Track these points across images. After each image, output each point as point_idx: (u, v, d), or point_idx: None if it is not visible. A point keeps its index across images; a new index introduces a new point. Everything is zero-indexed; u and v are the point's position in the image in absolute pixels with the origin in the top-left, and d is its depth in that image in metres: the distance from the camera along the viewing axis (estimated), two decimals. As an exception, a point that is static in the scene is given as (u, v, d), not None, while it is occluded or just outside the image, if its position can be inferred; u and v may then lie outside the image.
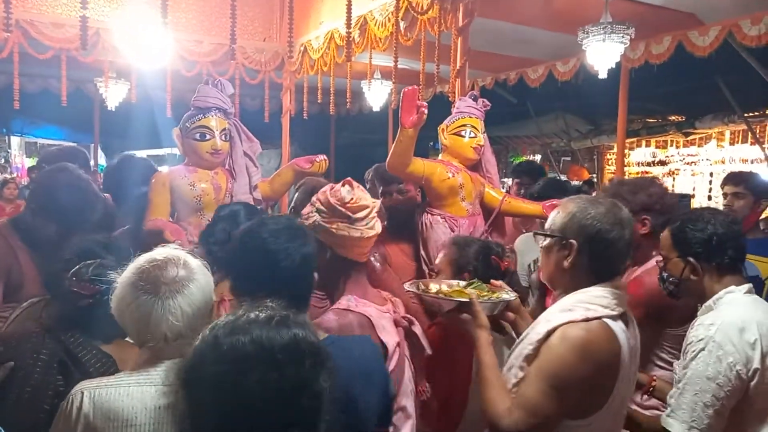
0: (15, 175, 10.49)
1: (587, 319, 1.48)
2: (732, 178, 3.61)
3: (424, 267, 2.76)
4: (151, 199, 2.47)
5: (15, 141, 12.51)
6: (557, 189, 3.13)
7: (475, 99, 2.95)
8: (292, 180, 2.80)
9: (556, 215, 1.64)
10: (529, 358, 1.51)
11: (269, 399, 0.95)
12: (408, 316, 1.80)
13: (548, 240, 1.63)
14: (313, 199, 1.69)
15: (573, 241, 1.56)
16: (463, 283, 1.86)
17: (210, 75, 5.50)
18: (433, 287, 1.82)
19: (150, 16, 4.58)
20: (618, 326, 1.52)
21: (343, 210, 1.64)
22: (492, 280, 1.87)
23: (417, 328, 1.80)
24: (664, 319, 2.13)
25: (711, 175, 9.22)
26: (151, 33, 4.13)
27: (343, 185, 1.70)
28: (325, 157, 2.74)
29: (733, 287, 1.79)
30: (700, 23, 4.60)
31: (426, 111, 2.40)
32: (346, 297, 1.67)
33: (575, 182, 10.10)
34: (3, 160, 11.72)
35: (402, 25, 3.92)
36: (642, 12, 4.36)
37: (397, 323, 1.72)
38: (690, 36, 4.68)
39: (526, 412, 1.44)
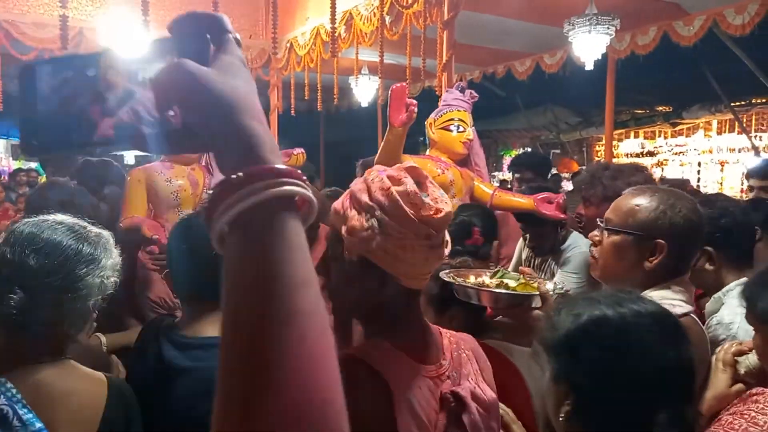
0: (1, 177, 10.39)
1: (678, 317, 1.41)
2: (758, 172, 3.17)
3: None
4: (127, 197, 2.44)
5: (1, 143, 12.40)
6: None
7: (462, 90, 2.90)
8: None
9: (634, 208, 1.45)
10: None
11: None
12: (476, 389, 1.12)
13: (620, 237, 1.45)
14: (364, 199, 1.06)
15: (662, 242, 1.41)
16: (488, 272, 1.69)
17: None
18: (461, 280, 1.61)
19: (133, 14, 4.53)
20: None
21: (422, 225, 1.03)
22: (521, 267, 1.78)
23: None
24: None
25: (699, 164, 9.29)
26: (135, 32, 4.09)
27: (407, 173, 1.10)
28: (302, 150, 2.71)
29: (744, 279, 1.66)
30: (684, 13, 4.62)
31: (415, 109, 2.34)
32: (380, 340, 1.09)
33: (565, 174, 10.14)
34: (-11, 163, 11.61)
35: (387, 19, 3.90)
36: (627, 2, 4.37)
37: (443, 401, 1.07)
38: (675, 26, 4.70)
39: None
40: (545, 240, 2.64)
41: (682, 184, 8.52)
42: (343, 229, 1.07)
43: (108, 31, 4.43)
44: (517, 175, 3.57)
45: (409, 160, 2.61)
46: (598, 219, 1.57)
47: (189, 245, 1.38)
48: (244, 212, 0.48)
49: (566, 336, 0.99)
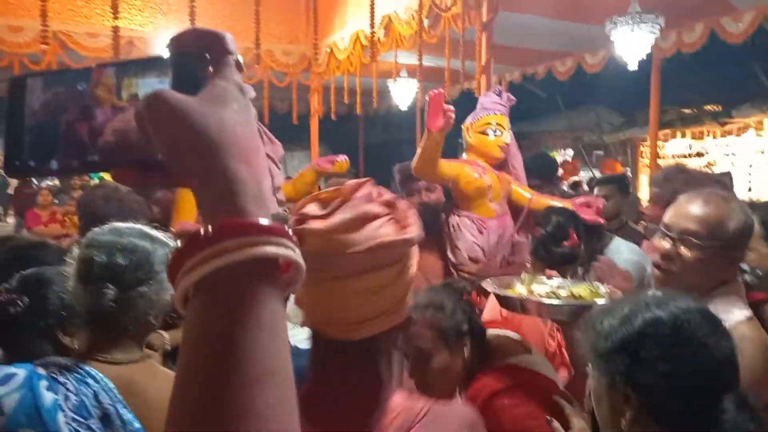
0: (56, 181, 10.80)
1: (749, 318, 1.41)
2: None
3: (452, 269, 2.75)
4: (178, 203, 2.52)
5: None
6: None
7: (499, 94, 2.90)
8: (314, 181, 2.82)
9: (722, 221, 1.41)
10: None
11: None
12: None
13: (709, 251, 1.41)
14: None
15: (741, 253, 1.44)
16: (517, 279, 1.63)
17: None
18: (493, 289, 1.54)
19: (181, 24, 4.68)
20: None
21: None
22: (547, 270, 1.76)
23: None
24: None
25: (750, 166, 8.95)
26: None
27: (313, 200, 0.89)
28: (346, 158, 2.75)
29: None
30: (733, 9, 4.47)
31: (453, 115, 2.35)
32: None
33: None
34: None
35: (426, 22, 3.92)
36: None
37: None
38: (723, 23, 4.56)
39: None
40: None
41: (726, 175, 8.25)
42: None
43: (158, 41, 4.60)
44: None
45: (447, 165, 2.64)
46: (664, 227, 1.51)
47: None
48: (208, 276, 0.39)
49: (622, 341, 1.01)
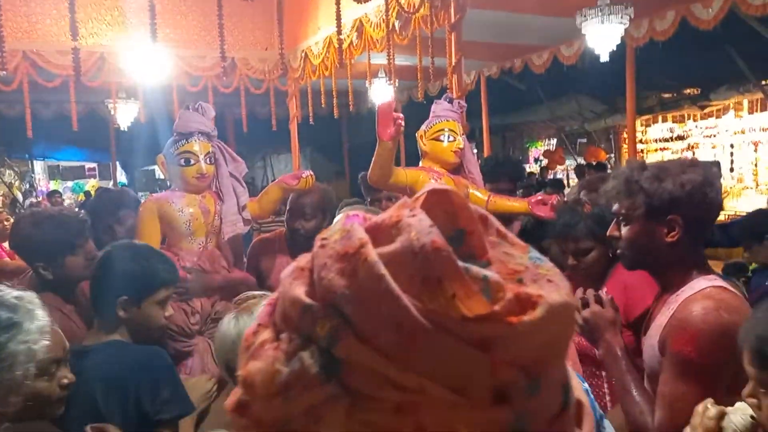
0: (40, 198, 10.77)
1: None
2: None
3: None
4: (140, 228, 2.50)
5: (38, 165, 12.87)
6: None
7: (450, 101, 2.93)
8: (280, 197, 2.79)
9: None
10: None
11: None
12: None
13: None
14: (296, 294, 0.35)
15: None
16: None
17: (214, 87, 5.59)
18: None
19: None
20: None
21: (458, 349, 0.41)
22: None
23: None
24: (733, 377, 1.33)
25: (732, 146, 9.03)
26: (154, 52, 4.21)
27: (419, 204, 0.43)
28: (311, 173, 2.73)
29: None
30: (702, -5, 4.50)
31: (402, 123, 2.41)
32: None
33: (593, 163, 9.99)
34: (28, 185, 12.05)
35: (396, 24, 3.92)
36: (641, -11, 4.29)
37: None
38: (693, 9, 4.58)
39: None
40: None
41: (715, 164, 8.33)
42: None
43: (127, 55, 4.57)
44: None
45: (403, 172, 2.64)
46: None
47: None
48: None
49: None
